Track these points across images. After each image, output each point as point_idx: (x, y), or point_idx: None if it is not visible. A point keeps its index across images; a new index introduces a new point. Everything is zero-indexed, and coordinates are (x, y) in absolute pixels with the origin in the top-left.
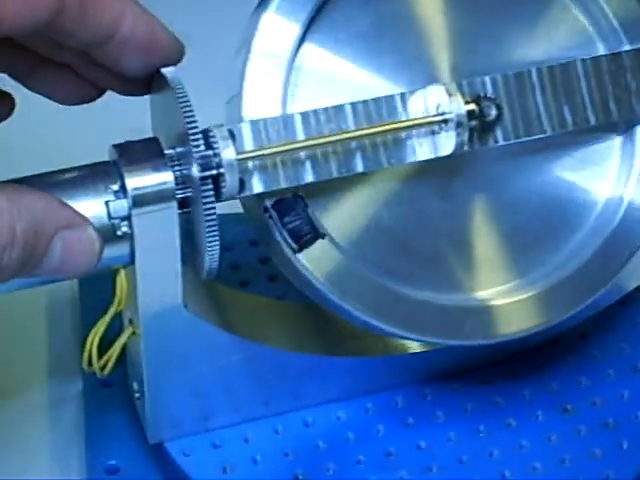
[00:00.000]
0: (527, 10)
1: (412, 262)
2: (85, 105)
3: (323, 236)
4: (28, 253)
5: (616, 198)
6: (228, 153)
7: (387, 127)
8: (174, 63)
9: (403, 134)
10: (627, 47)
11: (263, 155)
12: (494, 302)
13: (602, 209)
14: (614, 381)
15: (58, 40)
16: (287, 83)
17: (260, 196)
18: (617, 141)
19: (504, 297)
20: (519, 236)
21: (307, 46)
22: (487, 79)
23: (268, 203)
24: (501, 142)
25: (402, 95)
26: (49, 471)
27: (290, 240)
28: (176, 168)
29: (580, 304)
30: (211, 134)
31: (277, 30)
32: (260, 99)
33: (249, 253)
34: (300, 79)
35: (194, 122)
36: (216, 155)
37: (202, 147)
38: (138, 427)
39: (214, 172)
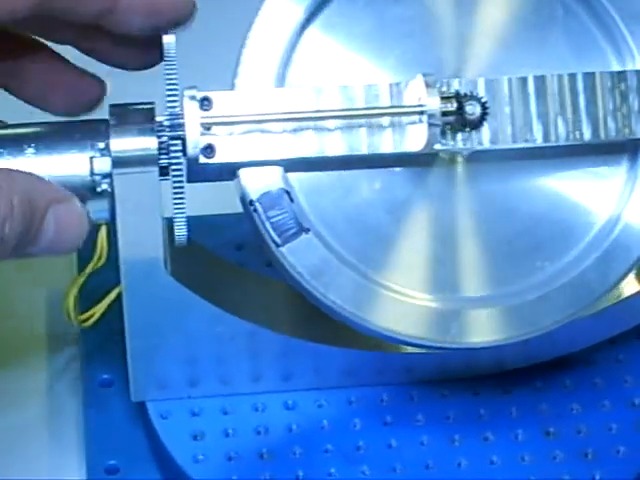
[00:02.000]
0: (539, 16)
1: (397, 261)
2: None
3: (307, 231)
4: (26, 226)
5: (614, 217)
6: (190, 112)
7: (365, 112)
8: (185, 21)
9: (381, 121)
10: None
11: (231, 122)
12: (476, 308)
13: (601, 227)
14: (607, 412)
15: (61, 16)
16: (284, 64)
17: (231, 168)
18: (624, 162)
19: (487, 304)
20: (510, 245)
21: (310, 31)
22: (481, 80)
23: (253, 196)
24: (485, 145)
25: (388, 85)
26: (49, 471)
27: (274, 234)
28: (162, 135)
29: (565, 317)
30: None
31: (281, 12)
32: (254, 75)
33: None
34: (297, 62)
35: (174, 82)
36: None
37: (175, 106)
38: (138, 427)
39: (180, 132)
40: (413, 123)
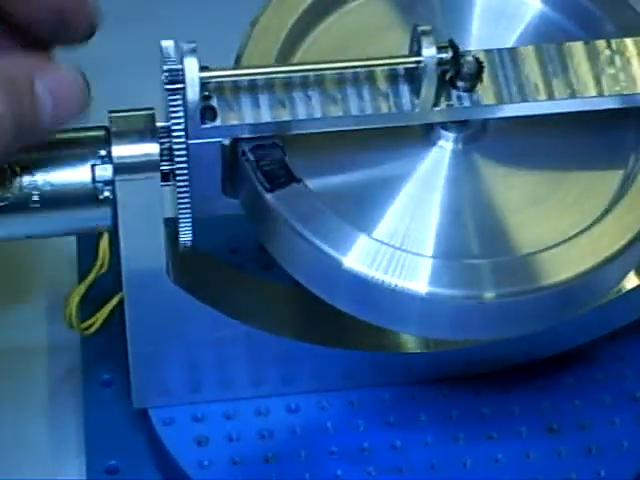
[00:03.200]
0: None
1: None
2: None
3: (298, 181)
4: (17, 105)
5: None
6: (190, 62)
7: (361, 63)
8: (82, 38)
9: (379, 76)
10: None
11: (232, 75)
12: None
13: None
14: (608, 407)
15: None
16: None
17: (235, 133)
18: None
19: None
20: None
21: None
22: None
23: (246, 147)
24: (482, 103)
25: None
26: (49, 471)
27: (264, 179)
28: (164, 141)
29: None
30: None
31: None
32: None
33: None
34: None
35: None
36: (183, 70)
37: (173, 62)
38: (138, 427)
39: (180, 85)
40: (410, 82)
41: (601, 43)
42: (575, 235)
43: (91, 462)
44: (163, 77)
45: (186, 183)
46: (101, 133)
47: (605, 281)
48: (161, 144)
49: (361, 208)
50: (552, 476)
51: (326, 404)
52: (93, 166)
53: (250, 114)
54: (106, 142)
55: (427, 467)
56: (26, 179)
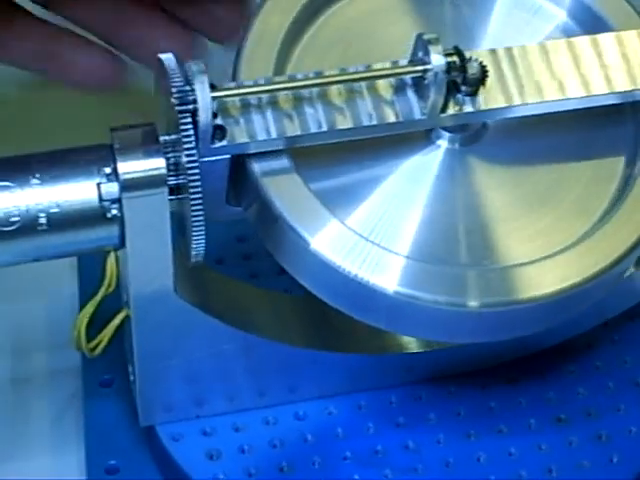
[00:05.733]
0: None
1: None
2: None
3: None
4: None
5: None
6: (201, 82)
7: (366, 74)
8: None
9: (384, 85)
10: None
11: (241, 94)
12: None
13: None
14: (612, 393)
15: None
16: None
17: (244, 150)
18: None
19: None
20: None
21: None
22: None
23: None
24: (485, 106)
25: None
26: (49, 471)
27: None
28: (169, 154)
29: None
30: (189, 69)
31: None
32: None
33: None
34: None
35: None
36: (193, 91)
37: (180, 80)
38: (138, 427)
39: (190, 107)
40: (415, 89)
41: (604, 37)
42: (561, 251)
43: (91, 462)
44: (173, 99)
45: (199, 199)
46: (103, 150)
47: (589, 296)
48: (167, 158)
49: (346, 199)
50: (566, 465)
51: (333, 409)
52: (99, 185)
53: (259, 131)
54: (110, 159)
55: (442, 465)
56: (32, 200)
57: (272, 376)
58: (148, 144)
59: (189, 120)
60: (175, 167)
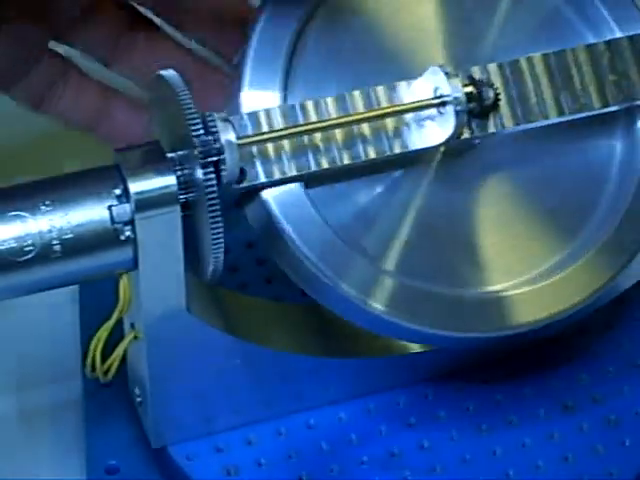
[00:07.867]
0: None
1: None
2: None
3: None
4: None
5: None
6: (228, 135)
7: (387, 110)
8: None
9: (404, 118)
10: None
11: (263, 140)
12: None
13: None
14: (614, 377)
15: None
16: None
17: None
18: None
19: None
20: (530, 226)
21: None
22: (481, 67)
23: None
24: (499, 128)
25: (403, 82)
26: (49, 471)
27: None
28: (178, 171)
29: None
30: (210, 119)
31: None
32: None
33: (246, 255)
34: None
35: (192, 110)
36: (216, 140)
37: (201, 132)
38: (138, 427)
39: (215, 158)
40: (431, 119)
41: (602, 45)
42: (542, 277)
43: (91, 462)
44: (196, 152)
45: (218, 209)
46: (111, 172)
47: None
48: (177, 175)
49: (337, 201)
50: (581, 452)
51: (343, 415)
52: (110, 207)
53: (277, 170)
54: (119, 180)
55: (460, 462)
56: (45, 226)
57: (279, 386)
58: (157, 162)
59: (212, 169)
60: (185, 183)
